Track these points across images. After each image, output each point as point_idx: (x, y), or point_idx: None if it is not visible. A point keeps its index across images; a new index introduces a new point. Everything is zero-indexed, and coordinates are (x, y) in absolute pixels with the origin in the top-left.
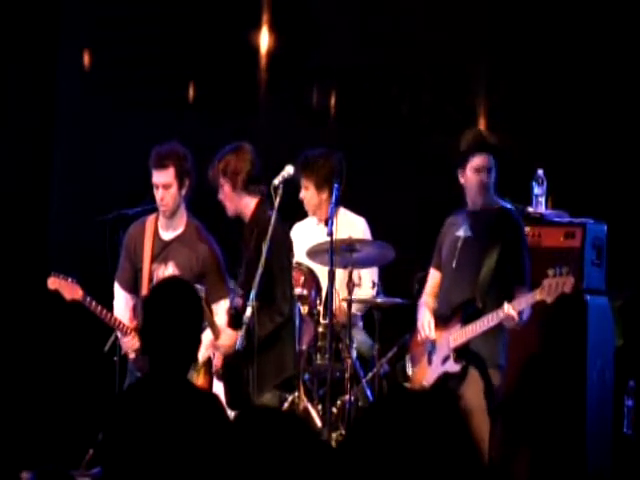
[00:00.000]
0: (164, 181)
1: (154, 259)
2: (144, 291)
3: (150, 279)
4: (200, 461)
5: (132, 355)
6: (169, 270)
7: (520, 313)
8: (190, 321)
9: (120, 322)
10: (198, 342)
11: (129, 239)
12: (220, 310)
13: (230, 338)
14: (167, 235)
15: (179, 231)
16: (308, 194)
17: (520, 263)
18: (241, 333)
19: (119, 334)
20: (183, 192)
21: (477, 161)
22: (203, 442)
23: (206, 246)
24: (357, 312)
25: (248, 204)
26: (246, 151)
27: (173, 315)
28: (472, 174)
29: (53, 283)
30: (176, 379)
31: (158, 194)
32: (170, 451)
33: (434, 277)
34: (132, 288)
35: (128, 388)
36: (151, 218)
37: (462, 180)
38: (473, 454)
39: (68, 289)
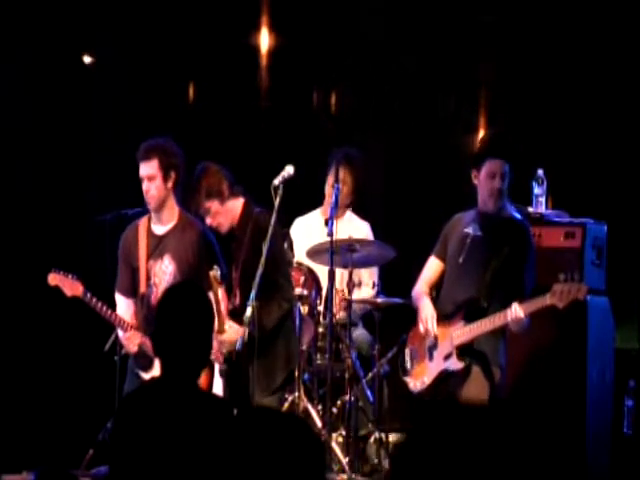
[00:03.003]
0: (148, 173)
1: (150, 256)
2: (142, 288)
3: (148, 277)
4: (207, 466)
5: (134, 349)
6: (165, 264)
7: (527, 316)
8: (202, 325)
9: (120, 319)
10: (210, 347)
11: (124, 242)
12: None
13: (236, 333)
14: (160, 230)
15: (172, 224)
16: (345, 189)
17: (522, 279)
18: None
19: (119, 330)
20: (169, 185)
21: (492, 166)
22: (211, 447)
23: (199, 236)
24: (358, 311)
25: (236, 207)
26: (212, 167)
27: (185, 319)
28: (486, 179)
29: (53, 279)
30: (187, 384)
31: (144, 187)
32: (178, 455)
33: (434, 266)
34: (133, 293)
35: (138, 391)
36: (144, 219)
37: (475, 181)
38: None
39: (69, 285)
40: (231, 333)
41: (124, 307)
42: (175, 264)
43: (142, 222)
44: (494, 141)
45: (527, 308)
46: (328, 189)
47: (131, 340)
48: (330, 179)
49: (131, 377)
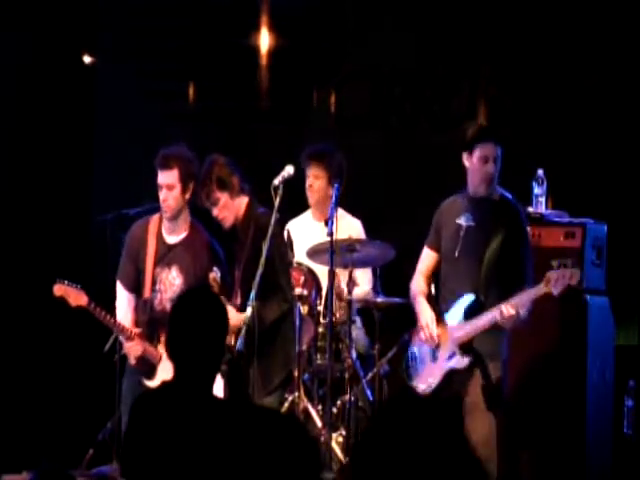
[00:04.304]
0: (168, 182)
1: (157, 262)
2: (146, 293)
3: (153, 282)
4: (219, 469)
5: (133, 361)
6: (172, 274)
7: (518, 311)
8: (216, 330)
9: (124, 327)
10: (223, 352)
11: (132, 238)
12: None
13: (234, 316)
14: (171, 239)
15: (183, 235)
16: (318, 183)
17: (521, 261)
18: (242, 334)
19: (122, 339)
20: (187, 195)
21: (485, 150)
22: (223, 453)
23: (207, 248)
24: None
25: (241, 205)
26: (220, 159)
27: (199, 324)
28: (478, 163)
29: (59, 290)
30: (201, 388)
31: (161, 195)
32: (192, 461)
33: (428, 257)
34: (134, 287)
35: (151, 394)
36: (155, 218)
37: (467, 164)
38: (469, 459)
39: (73, 295)
40: (230, 316)
41: (124, 299)
42: (183, 277)
43: (153, 222)
44: (485, 127)
45: (520, 302)
46: (310, 189)
47: (133, 350)
48: (306, 181)
49: (129, 378)
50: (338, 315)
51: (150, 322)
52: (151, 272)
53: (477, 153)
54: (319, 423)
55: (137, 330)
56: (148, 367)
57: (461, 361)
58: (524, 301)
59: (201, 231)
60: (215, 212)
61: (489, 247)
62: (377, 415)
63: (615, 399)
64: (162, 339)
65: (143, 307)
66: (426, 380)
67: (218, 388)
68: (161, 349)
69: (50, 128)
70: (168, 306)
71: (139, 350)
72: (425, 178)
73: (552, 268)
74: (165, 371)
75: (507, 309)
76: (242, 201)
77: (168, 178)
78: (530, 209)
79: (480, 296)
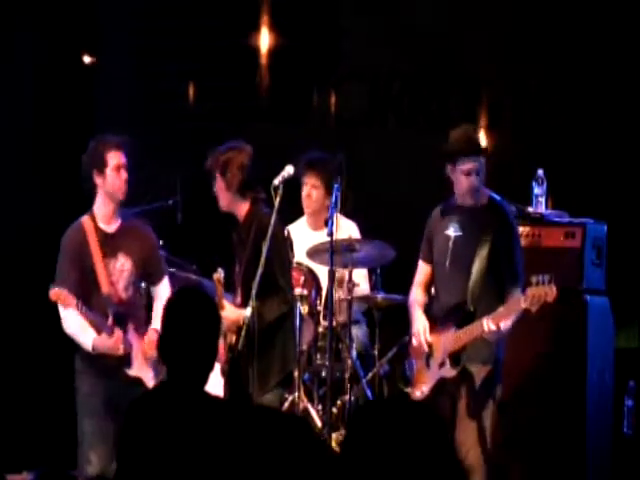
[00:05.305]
0: (125, 162)
1: (105, 255)
2: (104, 288)
3: (107, 274)
4: (215, 470)
5: (122, 351)
6: (120, 261)
7: (499, 326)
8: (208, 330)
9: (104, 321)
10: (215, 352)
11: (70, 243)
12: (163, 287)
13: (233, 312)
14: (110, 228)
15: (119, 222)
16: (316, 193)
17: (513, 263)
18: (242, 334)
19: (106, 334)
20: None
21: (467, 165)
22: (218, 452)
23: (146, 231)
24: (356, 308)
25: (241, 206)
26: (244, 155)
27: (192, 325)
28: (462, 177)
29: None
30: (194, 389)
31: (121, 176)
32: (187, 461)
33: (423, 269)
34: (79, 293)
35: (145, 396)
36: (86, 218)
37: (451, 175)
38: (451, 460)
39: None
40: (229, 313)
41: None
42: (131, 261)
43: (86, 221)
44: (466, 138)
45: (501, 317)
46: (307, 199)
47: (118, 343)
48: (303, 189)
49: (87, 377)
50: (341, 319)
51: (117, 315)
52: (102, 265)
53: (460, 167)
54: (319, 423)
55: (112, 323)
56: (126, 357)
57: (450, 371)
58: (505, 315)
59: (130, 215)
60: (214, 188)
61: (478, 255)
62: (351, 421)
63: (615, 399)
64: (129, 328)
65: (108, 302)
66: (420, 387)
67: (218, 387)
68: (130, 337)
69: (50, 128)
70: (124, 295)
71: (121, 338)
72: (424, 178)
73: (531, 283)
74: (139, 358)
75: (488, 324)
76: (244, 204)
77: (124, 158)
78: (530, 209)
79: (470, 306)
